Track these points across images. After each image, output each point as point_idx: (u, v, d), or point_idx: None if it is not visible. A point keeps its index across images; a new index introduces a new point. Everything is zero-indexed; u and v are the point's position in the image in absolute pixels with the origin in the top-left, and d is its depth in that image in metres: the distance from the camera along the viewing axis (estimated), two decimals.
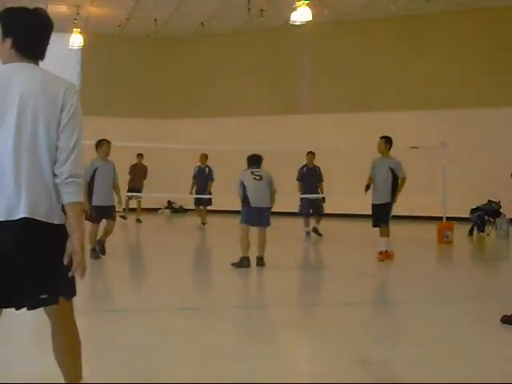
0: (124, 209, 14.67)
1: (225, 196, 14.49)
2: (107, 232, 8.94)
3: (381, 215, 9.15)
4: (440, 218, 12.08)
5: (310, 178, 12.59)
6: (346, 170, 15.90)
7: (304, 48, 18.43)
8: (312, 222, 12.61)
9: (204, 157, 15.00)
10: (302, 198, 12.61)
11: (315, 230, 12.40)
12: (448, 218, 12.04)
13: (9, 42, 2.95)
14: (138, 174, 16.20)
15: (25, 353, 4.40)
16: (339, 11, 16.95)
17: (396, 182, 9.27)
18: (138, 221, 15.71)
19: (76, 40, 17.38)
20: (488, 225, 13.60)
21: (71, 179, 2.83)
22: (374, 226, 9.33)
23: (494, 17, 16.58)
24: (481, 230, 13.58)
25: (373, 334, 5.12)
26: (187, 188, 14.93)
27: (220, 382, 3.82)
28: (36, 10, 3.01)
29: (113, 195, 9.03)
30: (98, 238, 8.90)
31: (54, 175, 2.84)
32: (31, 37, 2.98)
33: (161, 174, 17.72)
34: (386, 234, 9.20)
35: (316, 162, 12.87)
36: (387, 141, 9.44)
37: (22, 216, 2.75)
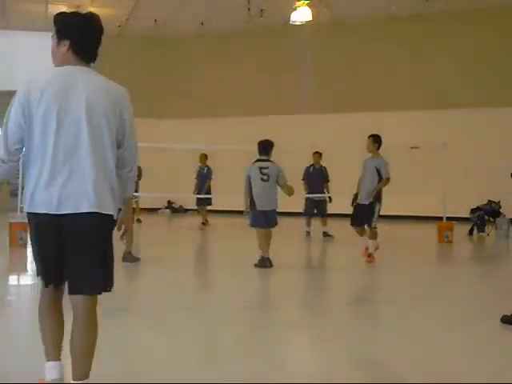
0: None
1: (225, 196, 14.52)
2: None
3: (364, 215, 8.98)
4: (440, 218, 12.08)
5: (316, 178, 12.57)
6: (346, 170, 15.87)
7: (304, 48, 18.42)
8: (315, 223, 12.64)
9: (204, 157, 15.00)
10: (306, 198, 12.63)
11: (325, 234, 12.38)
12: (448, 218, 12.04)
13: (65, 44, 3.16)
14: None
15: (25, 353, 4.40)
16: (339, 11, 16.96)
17: (379, 179, 9.02)
18: (138, 221, 15.71)
19: None
20: (488, 225, 13.61)
21: (130, 175, 3.30)
22: (352, 224, 9.14)
23: (494, 17, 16.59)
24: (481, 230, 13.59)
25: (373, 334, 5.12)
26: (187, 188, 14.94)
27: (220, 381, 3.82)
28: (89, 14, 3.27)
29: None
30: None
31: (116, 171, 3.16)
32: (88, 40, 3.21)
33: (160, 174, 17.72)
34: (372, 236, 9.10)
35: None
36: (375, 140, 9.19)
37: (92, 210, 3.03)
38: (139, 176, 16.28)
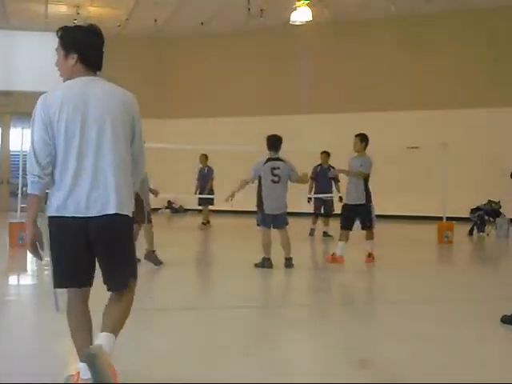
0: None
1: (225, 196, 14.52)
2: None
3: (359, 218, 8.88)
4: (440, 218, 12.08)
5: (324, 177, 12.56)
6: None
7: (304, 48, 18.42)
8: (320, 223, 12.66)
9: (204, 157, 15.01)
10: (315, 198, 12.63)
11: (325, 233, 12.40)
12: (448, 218, 12.04)
13: (74, 57, 3.34)
14: None
15: (25, 353, 4.40)
16: (339, 11, 16.97)
17: (366, 181, 8.87)
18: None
19: None
20: (488, 225, 13.61)
21: (143, 178, 3.63)
22: (344, 227, 8.89)
23: (494, 17, 16.59)
24: (481, 230, 13.59)
25: (373, 334, 5.12)
26: (187, 188, 14.94)
27: (220, 381, 3.82)
28: (92, 26, 3.42)
29: None
30: None
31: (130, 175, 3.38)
32: (95, 51, 3.41)
33: (161, 173, 17.70)
34: (369, 236, 9.03)
35: (316, 162, 12.88)
36: (362, 138, 8.97)
37: (114, 212, 3.25)
38: None
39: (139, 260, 8.60)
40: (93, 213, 3.24)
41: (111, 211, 3.26)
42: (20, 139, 11.43)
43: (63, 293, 3.54)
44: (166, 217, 18.82)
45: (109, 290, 3.40)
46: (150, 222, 8.58)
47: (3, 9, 17.23)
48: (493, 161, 15.53)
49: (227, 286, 7.54)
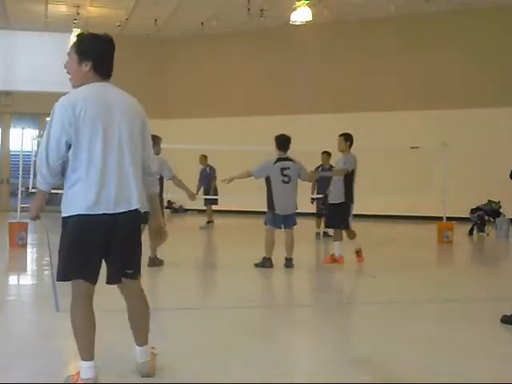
0: None
1: (226, 196, 14.53)
2: None
3: (337, 216, 8.86)
4: (440, 218, 12.08)
5: (325, 178, 12.54)
6: None
7: (304, 48, 18.43)
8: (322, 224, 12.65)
9: (203, 158, 15.02)
10: (317, 199, 12.60)
11: (325, 233, 12.39)
12: (448, 218, 12.04)
13: (87, 64, 3.48)
14: None
15: (25, 352, 4.40)
16: (339, 11, 16.97)
17: (349, 180, 8.74)
18: None
19: None
20: (488, 225, 13.61)
21: (156, 177, 3.83)
22: (327, 225, 9.23)
23: (494, 17, 16.59)
24: (481, 230, 13.59)
25: (373, 334, 5.12)
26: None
27: (220, 381, 3.82)
28: (105, 35, 3.56)
29: None
30: None
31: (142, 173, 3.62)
32: (107, 60, 3.55)
33: None
34: (350, 236, 8.91)
35: (316, 162, 12.86)
36: (346, 138, 8.90)
37: (136, 207, 3.49)
38: None
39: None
40: (121, 209, 3.44)
41: (135, 207, 3.49)
42: (20, 139, 11.42)
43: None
44: (166, 217, 18.79)
45: (125, 277, 3.58)
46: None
47: (3, 9, 17.23)
48: (493, 161, 15.53)
49: (227, 286, 7.54)
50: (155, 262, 8.39)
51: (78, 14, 16.84)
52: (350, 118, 17.01)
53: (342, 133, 9.02)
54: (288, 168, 8.39)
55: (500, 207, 13.67)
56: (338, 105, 17.73)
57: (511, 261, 11.19)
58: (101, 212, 3.39)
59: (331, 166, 12.66)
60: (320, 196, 12.59)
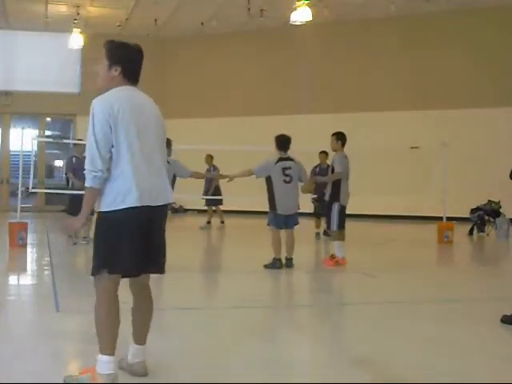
0: None
1: (225, 196, 14.52)
2: None
3: (327, 215, 8.82)
4: (440, 218, 12.08)
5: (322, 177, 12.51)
6: None
7: (304, 48, 18.42)
8: (323, 224, 12.64)
9: (209, 158, 15.07)
10: (314, 199, 12.59)
11: (325, 233, 12.38)
12: (448, 218, 12.04)
13: (117, 69, 3.67)
14: None
15: (25, 352, 4.40)
16: (339, 11, 16.97)
17: (336, 181, 8.65)
18: None
19: (76, 40, 17.37)
20: (488, 225, 13.61)
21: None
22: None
23: (494, 16, 16.59)
24: (481, 230, 13.60)
25: (373, 334, 5.12)
26: (187, 188, 14.83)
27: (220, 381, 3.82)
28: (135, 44, 3.77)
29: None
30: None
31: None
32: (137, 66, 3.75)
33: None
34: (336, 238, 8.78)
35: (315, 162, 12.86)
36: (338, 137, 8.91)
37: (170, 201, 3.73)
38: None
39: None
40: (159, 202, 3.64)
41: (170, 201, 3.73)
42: (20, 139, 11.42)
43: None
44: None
45: (156, 273, 3.83)
46: None
47: (3, 9, 17.22)
48: (493, 161, 15.53)
49: (227, 286, 7.55)
50: None
51: (78, 13, 16.83)
52: (349, 117, 17.02)
53: (334, 132, 9.01)
54: (290, 168, 8.39)
55: (500, 207, 13.67)
56: (338, 105, 17.73)
57: (511, 261, 11.19)
58: (145, 204, 3.55)
59: (329, 166, 12.68)
60: (315, 196, 12.59)
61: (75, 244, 10.75)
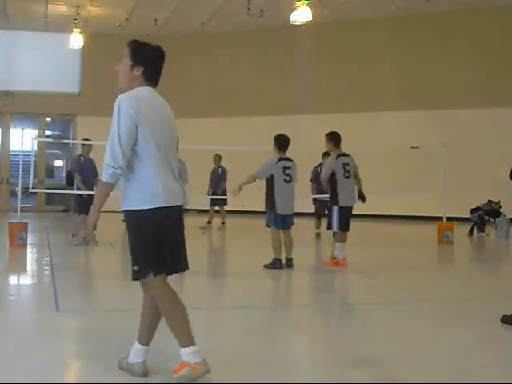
0: None
1: (226, 196, 14.51)
2: None
3: (328, 216, 8.83)
4: (440, 218, 12.08)
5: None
6: None
7: (304, 48, 18.41)
8: (323, 225, 12.64)
9: (218, 158, 15.09)
10: (317, 199, 12.58)
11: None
12: (448, 218, 12.03)
13: (139, 70, 3.70)
14: None
15: (25, 352, 4.40)
16: (339, 11, 16.96)
17: (332, 182, 8.67)
18: None
19: (76, 40, 17.38)
20: (488, 225, 13.61)
21: None
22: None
23: (494, 16, 16.59)
24: (481, 230, 13.60)
25: (373, 334, 5.12)
26: (188, 188, 14.90)
27: (220, 381, 3.82)
28: (159, 46, 3.88)
29: None
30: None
31: None
32: (158, 68, 3.81)
33: None
34: (337, 240, 8.75)
35: (315, 162, 12.87)
36: (329, 138, 8.94)
37: (187, 201, 3.81)
38: None
39: None
40: (184, 201, 3.78)
41: (186, 201, 3.82)
42: (20, 139, 11.42)
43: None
44: None
45: (179, 271, 3.84)
46: None
47: (3, 9, 17.23)
48: (493, 161, 15.52)
49: (227, 287, 7.54)
50: None
51: (78, 13, 16.83)
52: (349, 118, 17.02)
53: (327, 133, 9.05)
54: (289, 168, 8.43)
55: (500, 207, 13.67)
56: (338, 105, 17.73)
57: (511, 261, 11.19)
58: (174, 204, 3.66)
59: None
60: (319, 196, 12.59)
61: (75, 245, 10.76)
